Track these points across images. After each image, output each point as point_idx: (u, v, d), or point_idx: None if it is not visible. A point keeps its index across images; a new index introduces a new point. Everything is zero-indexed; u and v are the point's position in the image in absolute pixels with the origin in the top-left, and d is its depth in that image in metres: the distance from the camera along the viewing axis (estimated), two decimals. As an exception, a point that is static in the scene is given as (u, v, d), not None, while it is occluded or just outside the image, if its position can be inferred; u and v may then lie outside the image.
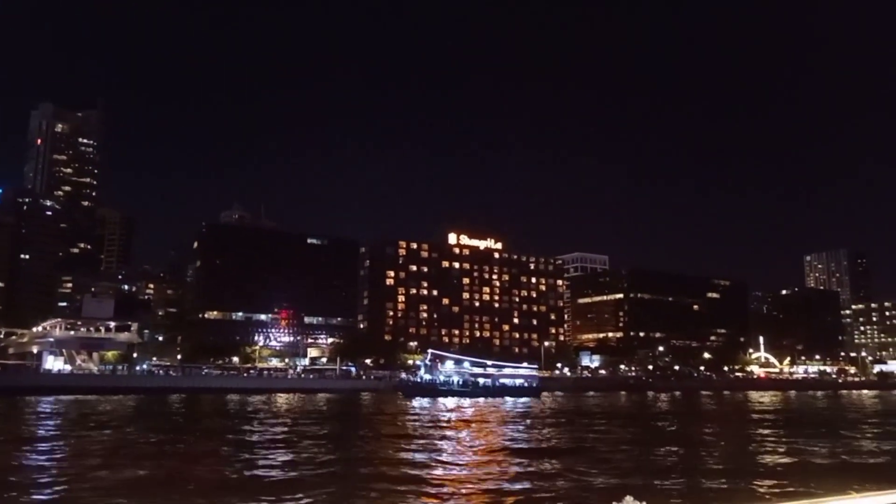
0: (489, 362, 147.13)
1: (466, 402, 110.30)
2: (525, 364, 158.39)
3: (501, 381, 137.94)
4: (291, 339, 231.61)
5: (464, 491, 31.70)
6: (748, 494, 32.02)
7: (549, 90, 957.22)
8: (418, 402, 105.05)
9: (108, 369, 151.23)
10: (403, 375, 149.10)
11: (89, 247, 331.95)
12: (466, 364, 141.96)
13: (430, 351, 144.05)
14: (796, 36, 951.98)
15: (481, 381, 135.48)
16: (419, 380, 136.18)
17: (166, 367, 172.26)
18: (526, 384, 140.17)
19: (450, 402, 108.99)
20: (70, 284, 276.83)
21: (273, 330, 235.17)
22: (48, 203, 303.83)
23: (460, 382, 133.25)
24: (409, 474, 36.02)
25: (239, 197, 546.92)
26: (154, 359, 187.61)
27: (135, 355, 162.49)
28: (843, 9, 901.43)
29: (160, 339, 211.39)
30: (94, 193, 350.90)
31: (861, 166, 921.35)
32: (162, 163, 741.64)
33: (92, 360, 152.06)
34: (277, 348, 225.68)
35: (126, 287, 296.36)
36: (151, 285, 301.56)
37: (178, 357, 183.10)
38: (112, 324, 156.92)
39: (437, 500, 29.70)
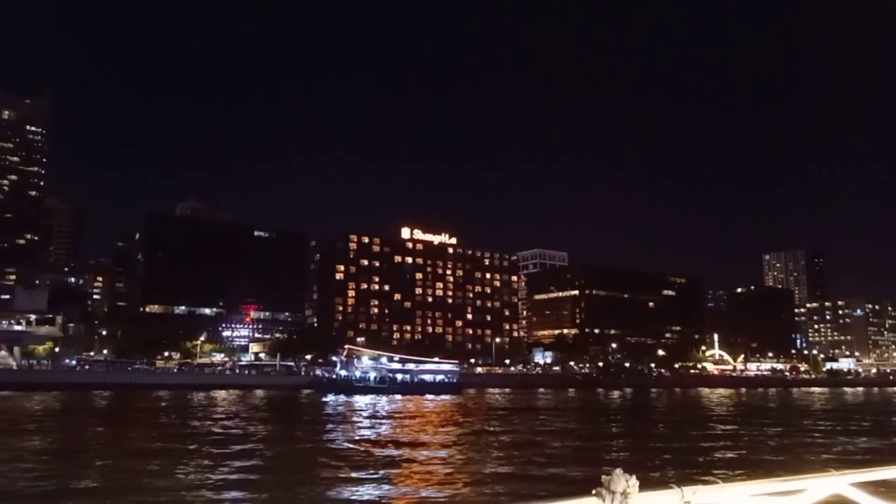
0: (397, 356, 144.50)
1: (382, 399, 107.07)
2: (451, 360, 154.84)
3: (420, 377, 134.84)
4: (236, 333, 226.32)
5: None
6: (725, 472, 30.91)
7: (508, 84, 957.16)
8: (332, 400, 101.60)
9: (27, 364, 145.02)
10: (318, 372, 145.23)
11: (36, 238, 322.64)
12: (384, 360, 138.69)
13: (346, 346, 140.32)
14: (758, 38, 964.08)
15: (399, 377, 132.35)
16: (334, 376, 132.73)
17: (96, 362, 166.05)
18: (446, 380, 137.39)
19: (364, 399, 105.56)
20: (13, 276, 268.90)
21: (217, 324, 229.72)
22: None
23: (377, 379, 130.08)
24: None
25: (201, 189, 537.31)
26: (92, 353, 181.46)
27: (57, 349, 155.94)
28: (810, 14, 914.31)
29: (104, 332, 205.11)
30: (41, 183, 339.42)
31: (821, 167, 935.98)
32: (121, 153, 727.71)
33: (13, 355, 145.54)
34: (221, 343, 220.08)
35: (72, 279, 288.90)
36: (100, 278, 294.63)
37: (105, 352, 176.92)
38: (33, 317, 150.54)
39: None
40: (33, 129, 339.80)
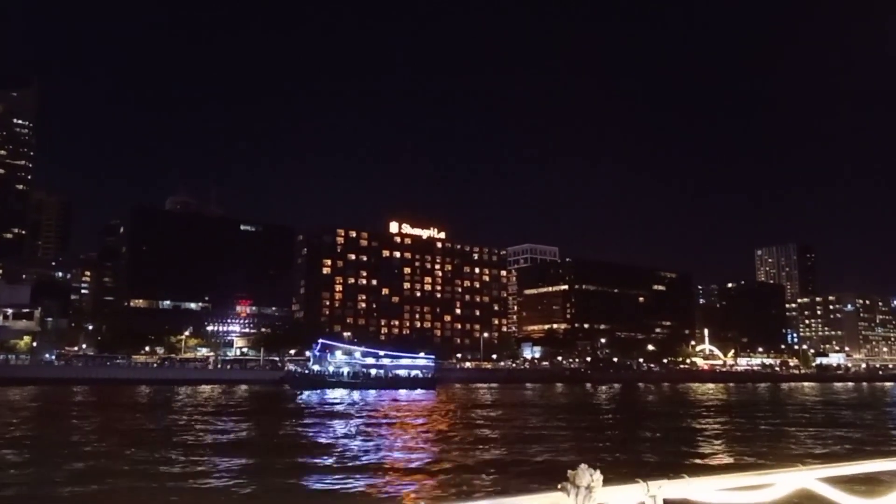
0: (382, 352, 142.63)
1: (356, 394, 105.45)
2: (422, 354, 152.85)
3: (395, 371, 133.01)
4: (221, 328, 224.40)
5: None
6: (695, 466, 31.88)
7: (500, 81, 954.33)
8: (306, 396, 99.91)
9: (4, 358, 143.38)
10: (290, 367, 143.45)
11: (23, 232, 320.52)
12: (358, 354, 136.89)
13: (320, 340, 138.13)
14: (748, 37, 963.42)
15: (373, 372, 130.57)
16: (307, 371, 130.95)
17: (76, 356, 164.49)
18: (421, 375, 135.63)
19: (337, 394, 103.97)
20: (0, 270, 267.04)
21: (203, 319, 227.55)
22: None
23: (350, 374, 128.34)
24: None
25: (193, 184, 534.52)
26: (76, 348, 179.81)
27: (34, 344, 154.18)
28: (800, 13, 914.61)
29: (90, 327, 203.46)
30: (29, 177, 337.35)
31: (814, 163, 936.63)
32: (116, 148, 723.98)
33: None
34: (206, 338, 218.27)
35: (60, 274, 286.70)
36: (88, 272, 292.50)
37: (84, 346, 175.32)
38: (10, 311, 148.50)
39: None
40: (20, 122, 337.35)
